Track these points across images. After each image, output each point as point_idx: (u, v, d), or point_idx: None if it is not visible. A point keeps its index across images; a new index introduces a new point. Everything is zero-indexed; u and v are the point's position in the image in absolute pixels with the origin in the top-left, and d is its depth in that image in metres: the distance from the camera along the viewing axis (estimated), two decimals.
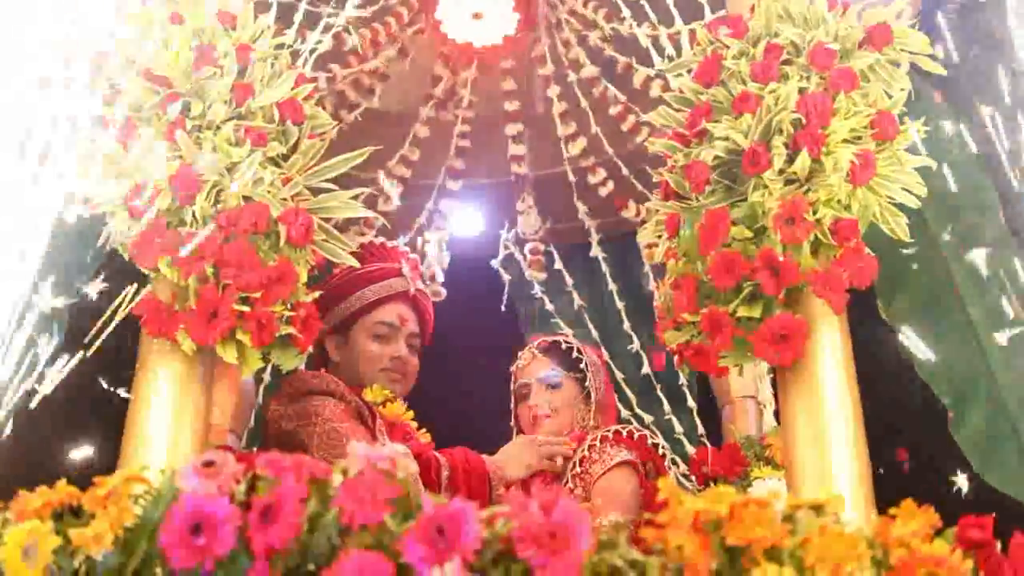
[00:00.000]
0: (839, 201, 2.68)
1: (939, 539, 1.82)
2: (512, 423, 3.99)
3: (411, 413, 3.79)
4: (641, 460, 3.68)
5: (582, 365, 3.92)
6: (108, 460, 2.62)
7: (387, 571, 1.57)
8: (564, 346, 3.97)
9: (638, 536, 1.75)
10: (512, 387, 3.99)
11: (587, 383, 3.90)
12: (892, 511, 1.82)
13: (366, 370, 3.81)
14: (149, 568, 1.70)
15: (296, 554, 1.65)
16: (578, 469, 3.66)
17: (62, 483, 1.88)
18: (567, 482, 3.65)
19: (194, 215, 2.70)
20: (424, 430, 3.87)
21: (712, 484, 3.92)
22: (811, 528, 1.68)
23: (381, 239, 4.14)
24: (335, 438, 3.40)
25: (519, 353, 4.03)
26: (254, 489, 1.72)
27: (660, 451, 3.80)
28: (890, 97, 2.80)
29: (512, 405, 3.99)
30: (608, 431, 3.73)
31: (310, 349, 3.25)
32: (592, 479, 3.62)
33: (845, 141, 2.70)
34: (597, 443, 3.68)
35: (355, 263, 3.07)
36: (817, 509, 1.74)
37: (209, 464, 1.74)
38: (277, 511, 1.65)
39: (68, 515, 1.83)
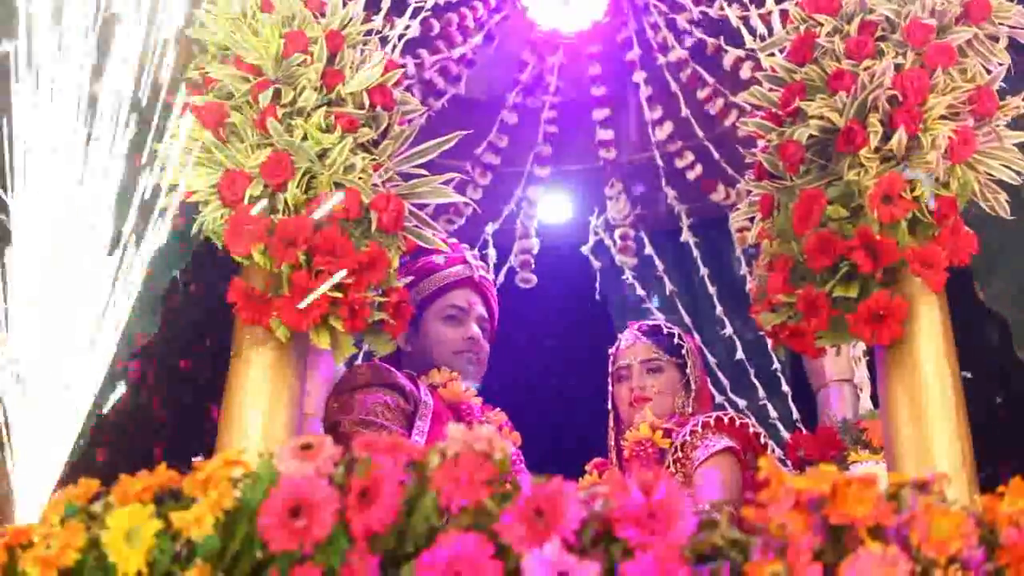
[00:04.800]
0: (937, 178, 2.64)
1: None
2: (608, 405, 3.96)
3: (473, 391, 3.77)
4: (741, 448, 3.64)
5: (683, 351, 3.88)
6: None
7: (486, 552, 1.56)
8: (666, 331, 3.94)
9: (737, 523, 1.72)
10: (610, 368, 3.96)
11: (687, 369, 3.86)
12: (1000, 489, 1.78)
13: (440, 353, 3.80)
14: (249, 551, 1.70)
15: (394, 536, 1.64)
16: (679, 454, 3.62)
17: (162, 467, 1.89)
18: (668, 466, 3.61)
19: (286, 202, 2.72)
20: (498, 409, 3.84)
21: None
22: (917, 506, 1.65)
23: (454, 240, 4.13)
24: (367, 429, 3.39)
25: (620, 335, 3.99)
26: (352, 472, 1.71)
27: (761, 440, 3.75)
28: (989, 72, 2.75)
29: (610, 386, 3.95)
30: (710, 417, 3.68)
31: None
32: (693, 465, 3.57)
33: (943, 118, 2.66)
34: (699, 429, 3.64)
35: (446, 248, 3.08)
36: (921, 487, 1.71)
37: (307, 447, 1.74)
38: (376, 494, 1.65)
39: (168, 499, 1.84)
